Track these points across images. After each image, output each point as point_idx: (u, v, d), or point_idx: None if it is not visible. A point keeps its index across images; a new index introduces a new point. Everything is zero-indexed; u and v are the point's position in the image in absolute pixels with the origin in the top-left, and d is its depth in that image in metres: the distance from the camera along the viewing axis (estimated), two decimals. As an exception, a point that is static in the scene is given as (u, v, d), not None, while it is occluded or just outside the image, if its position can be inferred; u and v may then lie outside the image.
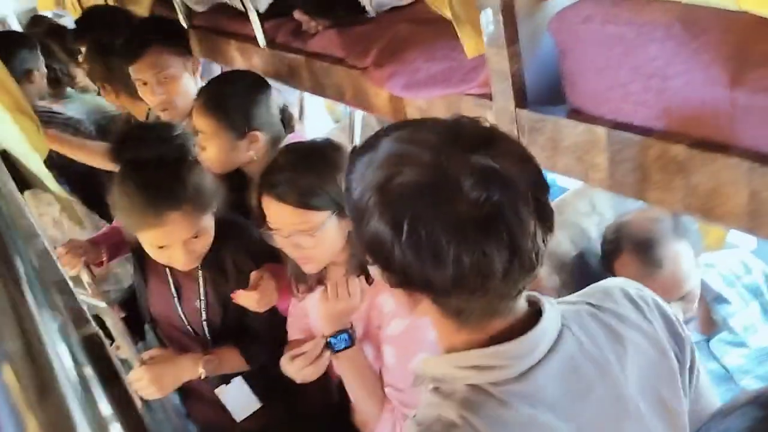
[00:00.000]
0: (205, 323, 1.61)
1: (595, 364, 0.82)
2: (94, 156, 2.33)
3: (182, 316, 1.63)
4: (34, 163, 1.48)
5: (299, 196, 1.26)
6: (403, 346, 1.28)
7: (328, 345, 1.30)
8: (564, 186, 1.91)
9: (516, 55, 1.01)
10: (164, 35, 2.00)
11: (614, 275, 1.38)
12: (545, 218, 0.72)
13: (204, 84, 1.87)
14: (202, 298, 1.60)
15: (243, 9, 1.89)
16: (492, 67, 1.05)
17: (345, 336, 1.29)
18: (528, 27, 1.00)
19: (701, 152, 0.82)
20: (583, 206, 1.59)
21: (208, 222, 1.49)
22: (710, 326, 1.55)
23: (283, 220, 1.28)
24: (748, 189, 0.80)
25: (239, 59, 2.03)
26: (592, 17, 0.89)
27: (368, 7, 1.56)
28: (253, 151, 1.71)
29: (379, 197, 0.71)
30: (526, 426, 0.76)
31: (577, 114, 0.99)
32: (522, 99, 1.04)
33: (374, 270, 0.79)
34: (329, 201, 1.27)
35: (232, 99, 1.70)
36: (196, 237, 1.46)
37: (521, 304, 0.80)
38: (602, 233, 1.55)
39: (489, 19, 0.99)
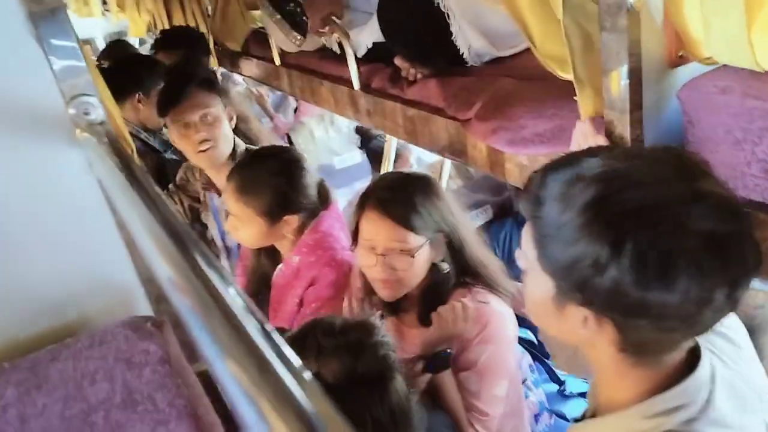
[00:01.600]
0: None
1: (739, 375, 0.81)
2: None
3: None
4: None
5: (403, 212, 1.30)
6: (487, 373, 1.30)
7: (426, 365, 1.31)
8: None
9: (638, 120, 0.97)
10: (202, 78, 1.98)
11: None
12: (758, 258, 0.68)
13: (237, 163, 1.76)
14: None
15: (338, 51, 1.92)
16: (611, 131, 1.01)
17: (444, 355, 1.31)
18: (653, 93, 0.96)
19: None
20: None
21: None
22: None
23: (381, 236, 1.32)
24: None
25: (331, 100, 2.05)
26: (731, 88, 0.85)
27: (467, 57, 1.55)
28: (287, 233, 1.64)
29: (593, 215, 0.67)
30: None
31: (702, 186, 0.94)
32: (640, 165, 1.00)
33: (546, 284, 0.76)
34: (428, 226, 1.31)
35: (268, 184, 1.60)
36: None
37: None
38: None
39: (614, 83, 0.96)
